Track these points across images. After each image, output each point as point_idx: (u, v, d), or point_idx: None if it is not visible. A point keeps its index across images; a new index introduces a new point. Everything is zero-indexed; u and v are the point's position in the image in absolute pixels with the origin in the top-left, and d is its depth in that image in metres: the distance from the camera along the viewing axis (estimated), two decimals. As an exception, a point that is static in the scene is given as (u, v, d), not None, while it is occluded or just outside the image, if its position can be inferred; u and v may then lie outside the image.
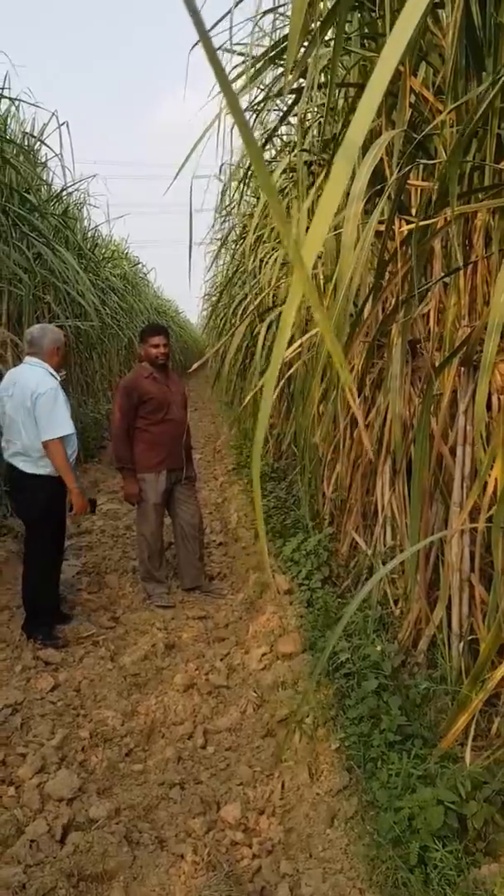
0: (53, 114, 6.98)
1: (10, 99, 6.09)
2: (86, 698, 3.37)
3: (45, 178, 7.63)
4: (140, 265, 16.86)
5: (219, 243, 9.90)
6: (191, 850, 2.34)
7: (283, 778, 2.71)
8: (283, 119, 3.94)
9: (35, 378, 3.80)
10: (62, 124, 6.98)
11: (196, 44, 4.11)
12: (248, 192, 6.85)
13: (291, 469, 6.46)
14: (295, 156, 3.75)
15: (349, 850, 2.23)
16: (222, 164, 7.02)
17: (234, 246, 9.54)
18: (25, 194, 6.94)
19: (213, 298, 12.07)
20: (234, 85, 4.61)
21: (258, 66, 4.03)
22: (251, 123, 4.65)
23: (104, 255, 12.40)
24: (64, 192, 8.48)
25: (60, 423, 3.78)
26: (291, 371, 4.94)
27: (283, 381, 5.87)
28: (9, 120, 6.69)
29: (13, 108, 6.67)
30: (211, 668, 3.66)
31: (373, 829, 2.18)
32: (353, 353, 3.67)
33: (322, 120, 4.61)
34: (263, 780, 2.76)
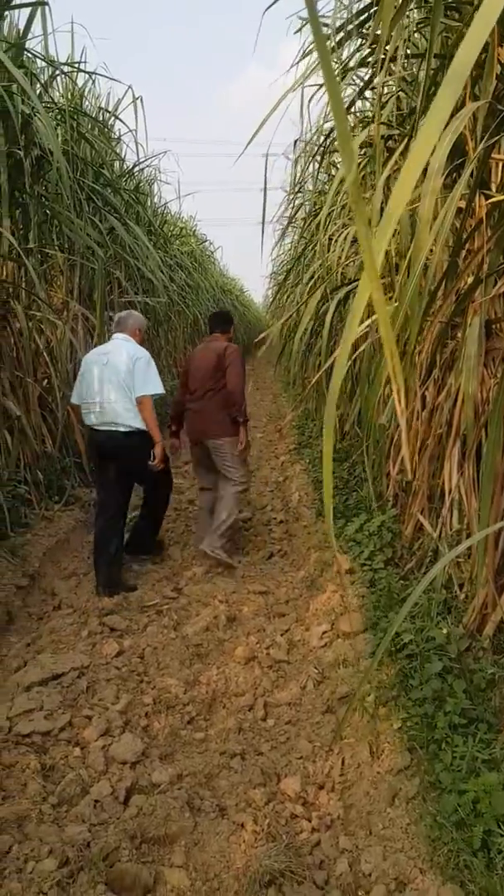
0: (129, 87, 7.01)
1: (87, 73, 6.13)
2: (149, 665, 3.44)
3: (118, 154, 7.67)
4: (207, 243, 16.90)
5: (286, 221, 9.80)
6: (251, 819, 2.37)
7: (343, 754, 2.71)
8: (363, 89, 3.85)
9: (131, 347, 4.47)
10: (136, 99, 7.00)
11: (271, 5, 4.06)
12: (321, 169, 6.77)
13: (354, 450, 6.42)
14: (372, 130, 3.67)
15: (410, 829, 2.22)
16: (296, 140, 6.92)
17: (302, 224, 9.45)
18: (100, 169, 7.00)
19: (280, 277, 11.99)
20: (308, 59, 4.55)
21: (339, 37, 3.97)
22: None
23: (172, 232, 12.44)
24: (136, 168, 8.52)
25: (154, 383, 4.40)
26: (358, 352, 4.89)
27: (349, 361, 5.82)
28: (85, 94, 6.74)
29: (90, 83, 6.72)
30: (272, 643, 3.69)
31: (435, 811, 2.16)
32: (424, 333, 3.60)
33: (400, 94, 4.53)
34: (323, 755, 2.78)
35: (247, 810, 2.44)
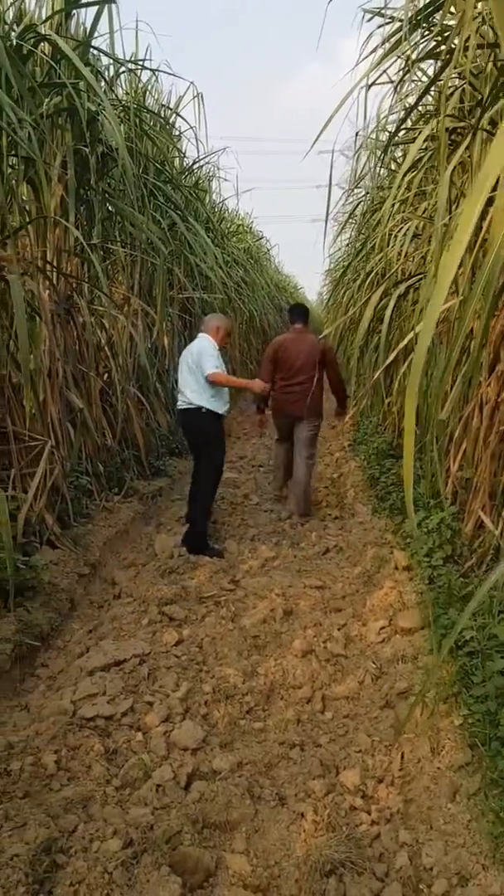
0: (191, 83, 7.04)
1: (150, 70, 6.20)
2: (207, 655, 3.47)
3: (180, 150, 7.73)
4: (263, 240, 16.91)
5: (344, 217, 9.77)
6: (311, 809, 2.38)
7: (402, 749, 2.70)
8: (433, 80, 3.80)
9: (201, 341, 5.35)
10: (196, 95, 7.04)
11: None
12: (382, 164, 6.73)
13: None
14: (438, 122, 3.63)
15: (471, 825, 2.21)
16: (357, 133, 6.87)
17: (360, 219, 9.40)
18: (161, 166, 7.08)
19: (338, 273, 11.94)
20: (375, 53, 4.51)
21: (406, 29, 3.93)
22: (393, 93, 4.54)
23: (229, 228, 12.49)
24: (196, 165, 8.58)
25: (214, 363, 5.15)
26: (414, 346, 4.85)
27: (406, 360, 5.77)
28: (149, 90, 6.81)
29: (153, 80, 6.79)
30: (329, 637, 3.69)
31: (498, 807, 2.14)
32: (492, 326, 3.56)
33: (465, 86, 4.46)
34: (382, 749, 2.77)
35: (306, 800, 2.46)
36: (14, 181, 4.50)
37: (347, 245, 11.53)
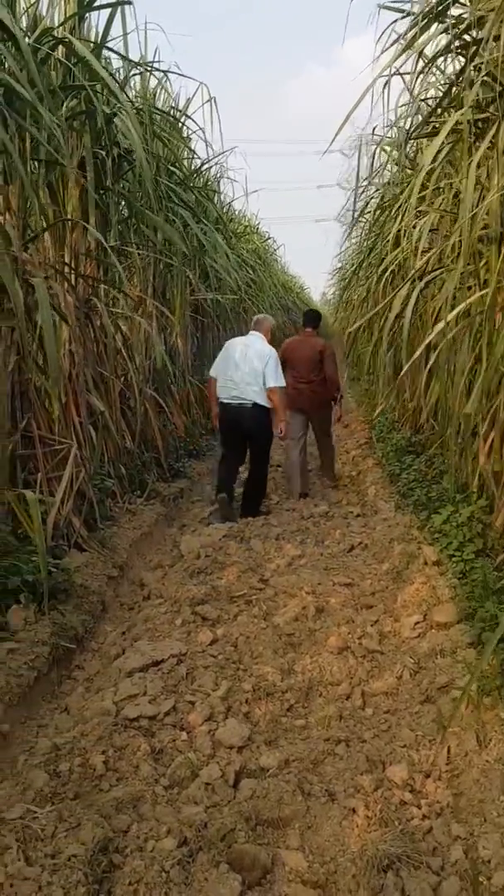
0: (200, 84, 7.04)
1: (162, 71, 6.21)
2: (243, 654, 3.47)
3: (192, 150, 7.73)
4: (270, 240, 16.91)
5: (353, 215, 9.75)
6: (362, 805, 2.37)
7: (448, 743, 2.69)
8: (461, 73, 3.80)
9: (265, 345, 5.96)
10: (208, 100, 7.02)
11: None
12: (395, 160, 6.73)
13: (430, 443, 6.35)
14: (462, 114, 3.62)
15: (527, 817, 2.20)
16: (373, 128, 6.84)
17: (372, 217, 9.40)
18: (172, 167, 7.08)
19: (349, 272, 11.93)
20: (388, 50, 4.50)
21: (422, 23, 3.94)
22: (413, 83, 4.54)
23: (237, 230, 12.50)
24: (205, 167, 8.58)
25: (281, 377, 5.90)
26: (436, 342, 4.84)
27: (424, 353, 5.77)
28: (159, 92, 6.81)
29: (164, 81, 6.78)
30: (363, 633, 3.68)
31: None
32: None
33: (485, 77, 4.45)
34: (426, 744, 2.76)
35: (356, 796, 2.44)
36: (35, 185, 4.51)
37: (357, 244, 11.53)
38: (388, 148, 7.78)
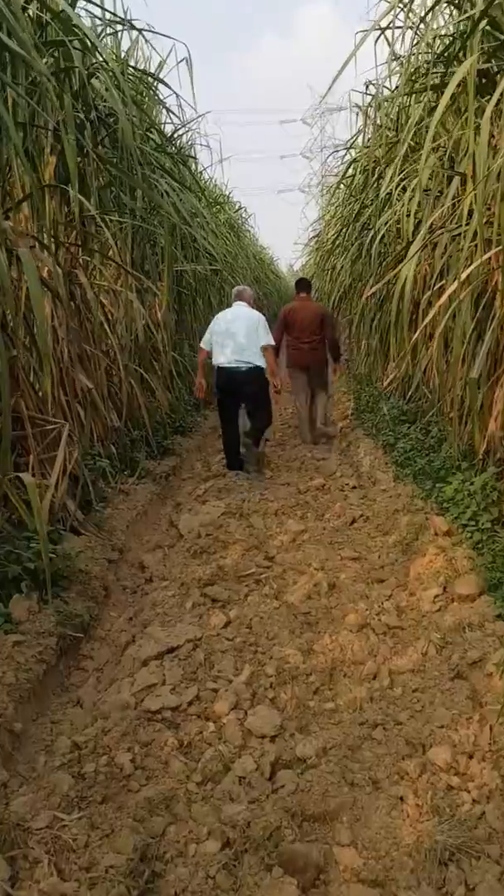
0: (173, 46, 6.73)
1: (138, 30, 5.86)
2: (259, 636, 3.31)
3: (168, 114, 7.40)
4: (242, 209, 16.56)
5: (335, 180, 9.52)
6: (410, 792, 2.24)
7: (488, 721, 2.57)
8: (480, 22, 3.57)
9: (254, 312, 6.47)
10: (183, 59, 6.71)
11: None
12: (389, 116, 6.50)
13: (423, 411, 6.22)
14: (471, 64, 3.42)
15: None
16: (367, 84, 6.57)
17: (351, 182, 9.17)
18: (147, 133, 6.78)
19: (329, 240, 11.68)
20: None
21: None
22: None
23: (211, 198, 12.17)
24: (179, 132, 8.26)
25: (271, 336, 6.36)
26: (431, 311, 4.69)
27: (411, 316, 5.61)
28: (134, 53, 6.48)
29: (137, 43, 6.45)
30: (381, 609, 3.55)
31: None
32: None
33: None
34: (465, 723, 2.63)
35: (401, 783, 2.32)
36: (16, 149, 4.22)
37: (334, 212, 11.29)
38: (368, 108, 7.56)
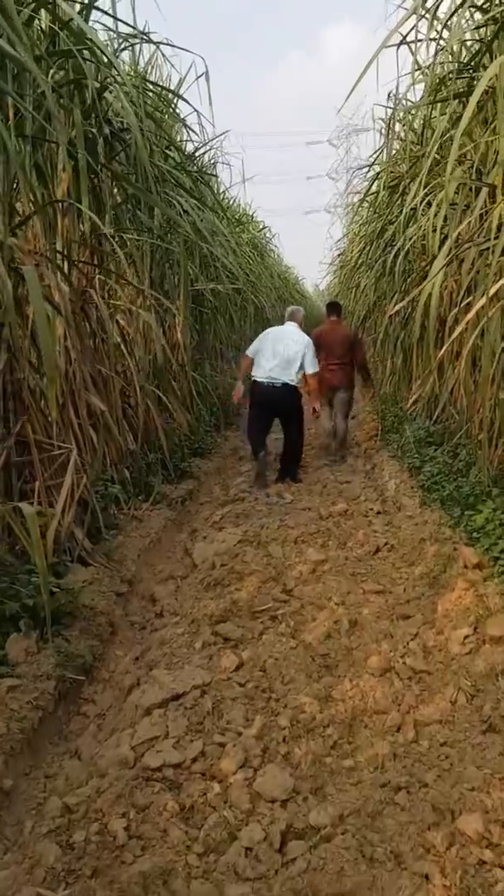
0: (193, 63, 6.58)
1: (154, 43, 5.71)
2: (273, 680, 3.07)
3: (189, 128, 7.25)
4: (266, 229, 16.42)
5: (358, 199, 9.34)
6: (436, 870, 1.98)
7: (525, 785, 2.30)
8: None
9: (303, 335, 6.79)
10: (201, 75, 6.57)
11: None
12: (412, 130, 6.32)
13: (451, 433, 5.96)
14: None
15: None
16: (391, 95, 6.39)
17: (376, 198, 8.98)
18: (166, 151, 6.66)
19: (354, 257, 11.50)
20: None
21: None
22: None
23: (234, 218, 12.05)
24: (200, 151, 8.12)
25: (317, 364, 6.76)
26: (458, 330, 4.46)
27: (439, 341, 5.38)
28: (149, 70, 6.36)
29: (155, 58, 6.32)
30: (406, 651, 3.29)
31: None
32: None
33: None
34: (497, 784, 2.37)
35: (427, 857, 2.06)
36: (22, 164, 4.09)
37: (358, 230, 11.11)
38: (391, 121, 7.38)
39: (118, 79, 4.20)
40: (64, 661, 3.05)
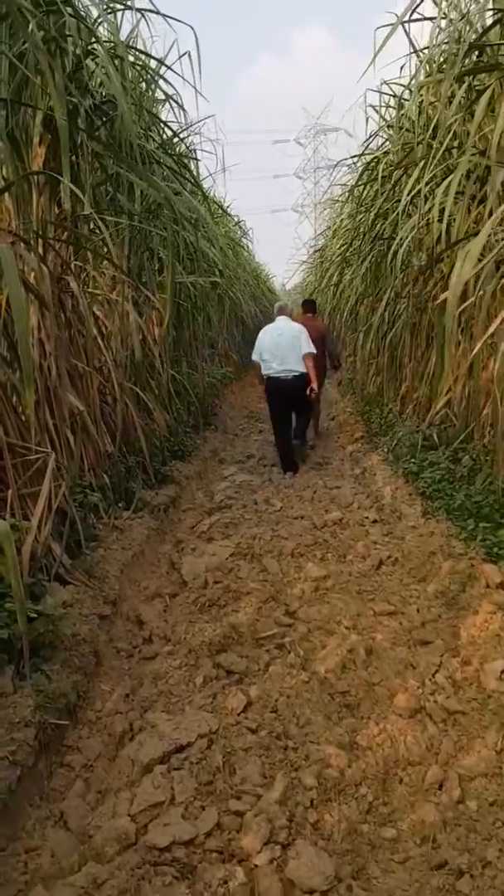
0: (175, 41, 6.12)
1: (139, 10, 5.21)
2: (288, 723, 2.66)
3: (177, 106, 6.75)
4: (241, 223, 15.96)
5: (340, 193, 8.97)
6: None
7: None
8: None
9: (295, 324, 7.30)
10: (184, 55, 6.09)
11: None
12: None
13: (447, 436, 5.61)
14: None
15: None
16: (385, 81, 6.02)
17: (360, 192, 8.61)
18: (148, 132, 6.19)
19: (337, 253, 11.12)
20: None
21: None
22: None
23: (212, 209, 11.57)
24: (186, 131, 7.62)
25: (312, 346, 7.09)
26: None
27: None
28: (132, 39, 5.86)
29: (135, 32, 5.83)
30: (435, 686, 2.91)
31: None
32: None
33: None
34: None
35: None
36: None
37: (341, 224, 10.74)
38: (385, 108, 7.03)
39: (103, 42, 3.72)
40: (45, 702, 2.60)
